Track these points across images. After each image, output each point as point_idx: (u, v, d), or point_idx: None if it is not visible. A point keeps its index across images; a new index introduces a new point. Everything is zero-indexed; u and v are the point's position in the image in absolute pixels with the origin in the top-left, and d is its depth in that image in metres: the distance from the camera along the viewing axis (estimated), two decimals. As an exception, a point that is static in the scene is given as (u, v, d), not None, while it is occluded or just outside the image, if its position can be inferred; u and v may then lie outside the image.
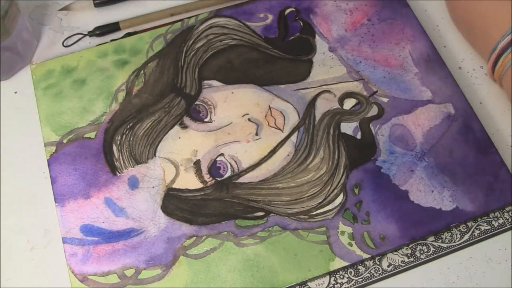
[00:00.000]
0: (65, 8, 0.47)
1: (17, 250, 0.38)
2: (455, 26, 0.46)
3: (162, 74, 0.44)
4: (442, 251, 0.38)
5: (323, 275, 0.37)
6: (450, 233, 0.39)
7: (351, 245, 0.37)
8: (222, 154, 0.40)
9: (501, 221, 0.39)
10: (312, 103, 0.43)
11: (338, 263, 0.37)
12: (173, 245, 0.37)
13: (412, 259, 0.38)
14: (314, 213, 0.38)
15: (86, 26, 0.47)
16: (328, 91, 0.43)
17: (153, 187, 0.39)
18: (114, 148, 0.41)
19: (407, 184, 0.40)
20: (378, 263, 0.38)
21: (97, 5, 0.47)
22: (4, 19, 0.40)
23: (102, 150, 0.41)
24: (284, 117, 0.42)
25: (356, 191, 0.39)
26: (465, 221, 0.39)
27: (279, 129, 0.42)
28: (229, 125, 0.42)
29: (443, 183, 0.40)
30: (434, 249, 0.38)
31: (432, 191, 0.39)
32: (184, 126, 0.42)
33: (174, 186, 0.39)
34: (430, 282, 0.37)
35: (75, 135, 0.41)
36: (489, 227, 0.39)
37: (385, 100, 0.43)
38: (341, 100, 0.43)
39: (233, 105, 0.42)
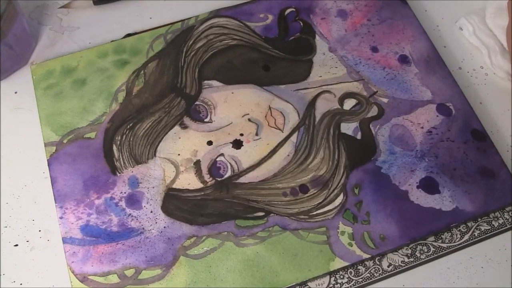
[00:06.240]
0: (65, 6, 0.47)
1: (17, 250, 0.38)
2: None
3: (162, 74, 0.44)
4: (442, 251, 0.38)
5: (323, 275, 0.37)
6: (450, 233, 0.39)
7: (351, 245, 0.37)
8: (222, 154, 0.40)
9: (501, 221, 0.39)
10: (312, 103, 0.43)
11: (338, 263, 0.37)
12: (173, 245, 0.37)
13: (412, 259, 0.38)
14: (314, 213, 0.38)
15: (86, 26, 0.47)
16: (328, 92, 0.43)
17: (153, 187, 0.39)
18: (114, 148, 0.41)
19: (407, 184, 0.40)
20: (378, 263, 0.38)
21: (96, 3, 0.47)
22: (-1, 21, 0.40)
23: (102, 150, 0.41)
24: (284, 117, 0.42)
25: (356, 191, 0.39)
26: (465, 221, 0.39)
27: (279, 129, 0.42)
28: (229, 125, 0.42)
29: (443, 183, 0.40)
30: (434, 249, 0.38)
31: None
32: (184, 126, 0.42)
33: (174, 186, 0.39)
34: (430, 282, 0.38)
35: (75, 135, 0.41)
36: (489, 227, 0.39)
37: (385, 100, 0.43)
38: (341, 101, 0.43)
39: (233, 105, 0.42)
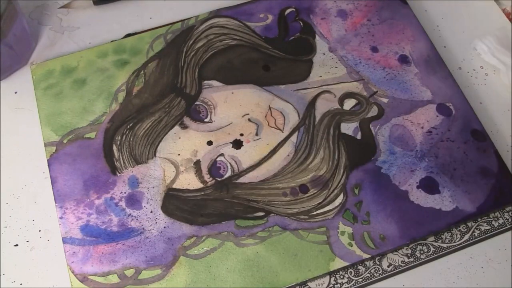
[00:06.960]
0: (65, 6, 0.47)
1: (17, 250, 0.38)
2: None
3: (162, 74, 0.44)
4: (442, 251, 0.38)
5: (323, 275, 0.37)
6: (450, 233, 0.39)
7: (351, 245, 0.37)
8: (222, 154, 0.40)
9: (501, 221, 0.39)
10: (312, 103, 0.43)
11: (338, 263, 0.37)
12: (173, 245, 0.37)
13: (412, 259, 0.38)
14: (314, 213, 0.38)
15: (86, 26, 0.47)
16: (328, 92, 0.43)
17: (153, 187, 0.39)
18: (114, 148, 0.41)
19: (407, 184, 0.40)
20: (378, 263, 0.38)
21: (96, 3, 0.48)
22: None
23: (102, 150, 0.41)
24: (284, 117, 0.42)
25: (356, 191, 0.39)
26: (465, 221, 0.39)
27: (279, 129, 0.42)
28: (229, 125, 0.42)
29: (443, 183, 0.40)
30: (434, 249, 0.38)
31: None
32: (184, 126, 0.42)
33: (174, 186, 0.39)
34: (430, 282, 0.38)
35: (75, 135, 0.41)
36: (489, 227, 0.39)
37: (385, 100, 0.43)
38: (341, 101, 0.43)
39: (233, 105, 0.42)
